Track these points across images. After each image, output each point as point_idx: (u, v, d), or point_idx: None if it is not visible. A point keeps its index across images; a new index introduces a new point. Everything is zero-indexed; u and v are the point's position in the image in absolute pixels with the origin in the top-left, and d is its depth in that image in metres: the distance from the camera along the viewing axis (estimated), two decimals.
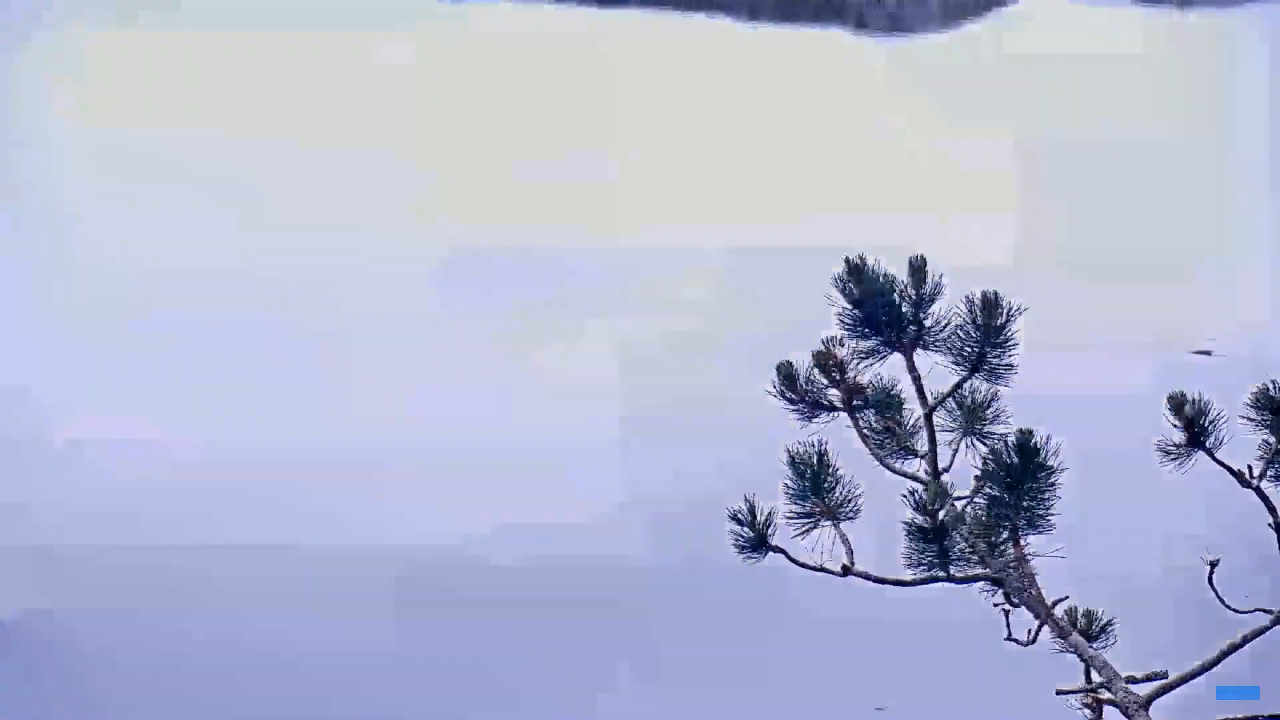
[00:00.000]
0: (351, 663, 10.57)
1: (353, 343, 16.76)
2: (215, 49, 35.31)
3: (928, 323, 5.81)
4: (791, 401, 5.89)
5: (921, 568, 5.66)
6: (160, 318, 17.65)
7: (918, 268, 5.81)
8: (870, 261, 5.82)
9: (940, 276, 5.76)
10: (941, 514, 5.59)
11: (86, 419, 14.68)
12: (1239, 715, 5.50)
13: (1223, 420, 5.58)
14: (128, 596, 11.54)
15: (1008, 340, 5.76)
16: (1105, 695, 5.49)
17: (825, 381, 5.86)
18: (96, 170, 24.83)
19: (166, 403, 15.19)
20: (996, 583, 5.64)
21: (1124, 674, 5.50)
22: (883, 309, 5.80)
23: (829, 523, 5.71)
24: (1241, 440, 5.60)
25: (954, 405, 5.86)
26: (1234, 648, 5.46)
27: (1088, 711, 5.51)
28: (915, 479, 5.77)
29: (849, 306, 5.84)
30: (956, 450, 5.83)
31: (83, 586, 11.64)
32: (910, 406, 5.89)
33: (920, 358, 5.84)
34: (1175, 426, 5.58)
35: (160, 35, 36.53)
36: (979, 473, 5.63)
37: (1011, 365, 5.77)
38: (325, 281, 18.83)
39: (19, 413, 14.84)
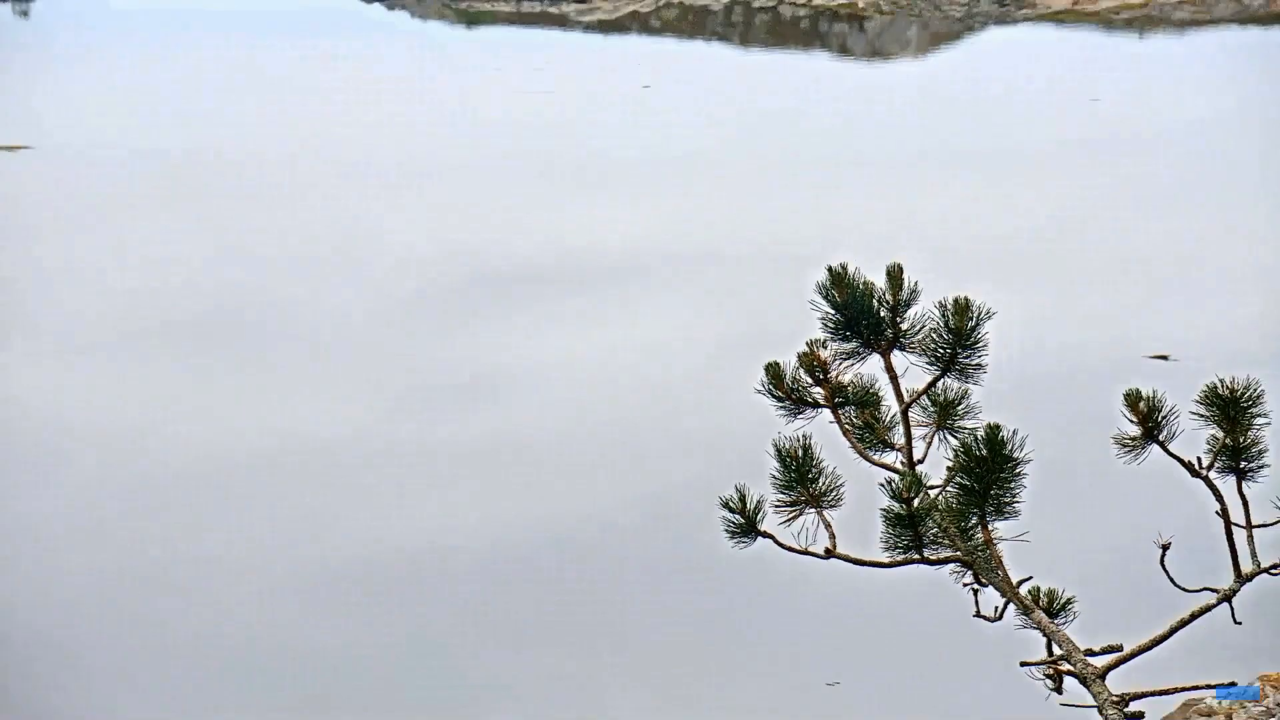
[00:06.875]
0: (348, 658, 10.68)
1: (345, 336, 16.91)
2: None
3: (904, 326, 6.29)
4: (779, 399, 6.37)
5: (897, 551, 6.13)
6: (146, 315, 17.80)
7: (895, 276, 6.29)
8: (851, 270, 6.30)
9: (915, 283, 6.24)
10: (916, 502, 6.06)
11: (68, 417, 14.68)
12: (1186, 684, 5.94)
13: (1175, 416, 6.02)
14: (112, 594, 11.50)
15: (978, 342, 6.24)
16: (1065, 667, 5.94)
17: (810, 381, 6.34)
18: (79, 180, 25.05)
19: (151, 399, 15.24)
20: (967, 564, 6.11)
21: (1083, 647, 5.95)
22: (863, 314, 6.28)
23: (813, 510, 6.18)
24: (1193, 435, 6.05)
25: (928, 402, 6.34)
26: (1183, 623, 5.92)
27: (1049, 681, 5.97)
28: (892, 470, 6.26)
29: (831, 311, 6.33)
30: (930, 443, 6.31)
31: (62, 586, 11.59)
32: (888, 404, 6.37)
33: (897, 358, 6.32)
34: (1130, 421, 6.02)
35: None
36: (951, 464, 6.11)
37: (981, 365, 6.25)
38: (313, 281, 19.05)
39: None
